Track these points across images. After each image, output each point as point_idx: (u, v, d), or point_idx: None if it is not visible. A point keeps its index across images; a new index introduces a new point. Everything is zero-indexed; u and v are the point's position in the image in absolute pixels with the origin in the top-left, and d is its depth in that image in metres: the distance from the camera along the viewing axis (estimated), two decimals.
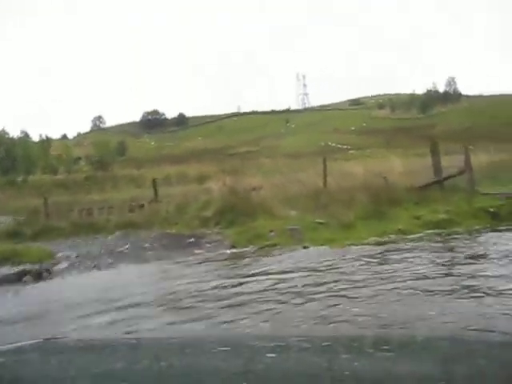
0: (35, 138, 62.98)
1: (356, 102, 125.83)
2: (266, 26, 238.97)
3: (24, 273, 8.14)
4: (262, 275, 6.54)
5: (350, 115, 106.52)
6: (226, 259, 8.07)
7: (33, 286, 7.72)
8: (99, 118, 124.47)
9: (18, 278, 7.96)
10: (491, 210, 9.37)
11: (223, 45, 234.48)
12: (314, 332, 2.25)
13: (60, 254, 9.15)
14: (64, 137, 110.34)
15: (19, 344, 1.42)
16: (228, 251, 8.60)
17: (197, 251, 8.78)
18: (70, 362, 1.25)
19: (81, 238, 11.47)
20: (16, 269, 8.32)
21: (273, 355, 1.16)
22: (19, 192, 28.47)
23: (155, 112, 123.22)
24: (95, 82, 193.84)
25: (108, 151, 57.67)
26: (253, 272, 6.81)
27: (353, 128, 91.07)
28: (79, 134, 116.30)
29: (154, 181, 14.94)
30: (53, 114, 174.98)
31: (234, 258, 8.08)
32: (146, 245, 9.58)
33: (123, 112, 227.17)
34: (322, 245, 8.34)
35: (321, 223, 9.61)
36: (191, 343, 1.42)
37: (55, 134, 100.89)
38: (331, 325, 4.18)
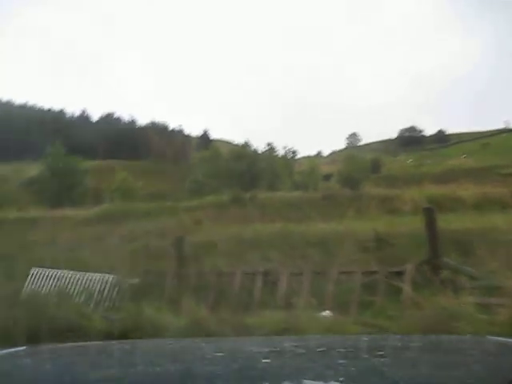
0: (281, 152, 59.43)
1: None
2: None
3: None
4: None
5: None
6: None
7: None
8: (354, 135, 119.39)
9: None
10: None
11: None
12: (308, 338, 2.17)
13: None
14: (318, 154, 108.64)
15: (15, 349, 1.39)
16: None
17: None
18: (66, 366, 1.21)
19: None
20: None
21: (268, 360, 1.13)
22: (242, 213, 22.50)
23: (412, 129, 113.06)
24: (350, 100, 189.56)
25: (358, 167, 50.21)
26: None
27: None
28: (334, 152, 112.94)
29: (426, 212, 5.91)
30: (308, 130, 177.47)
31: None
32: None
33: (379, 130, 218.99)
34: None
35: None
36: (187, 348, 1.39)
37: (310, 151, 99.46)
38: None
